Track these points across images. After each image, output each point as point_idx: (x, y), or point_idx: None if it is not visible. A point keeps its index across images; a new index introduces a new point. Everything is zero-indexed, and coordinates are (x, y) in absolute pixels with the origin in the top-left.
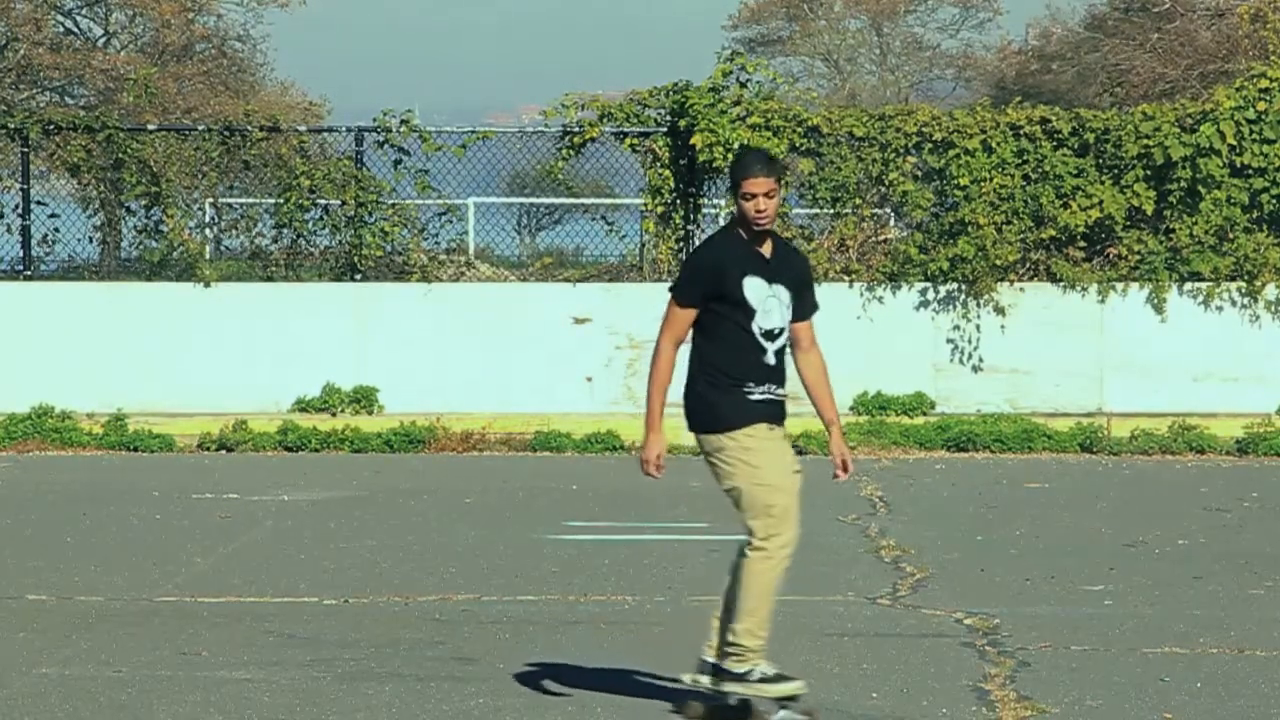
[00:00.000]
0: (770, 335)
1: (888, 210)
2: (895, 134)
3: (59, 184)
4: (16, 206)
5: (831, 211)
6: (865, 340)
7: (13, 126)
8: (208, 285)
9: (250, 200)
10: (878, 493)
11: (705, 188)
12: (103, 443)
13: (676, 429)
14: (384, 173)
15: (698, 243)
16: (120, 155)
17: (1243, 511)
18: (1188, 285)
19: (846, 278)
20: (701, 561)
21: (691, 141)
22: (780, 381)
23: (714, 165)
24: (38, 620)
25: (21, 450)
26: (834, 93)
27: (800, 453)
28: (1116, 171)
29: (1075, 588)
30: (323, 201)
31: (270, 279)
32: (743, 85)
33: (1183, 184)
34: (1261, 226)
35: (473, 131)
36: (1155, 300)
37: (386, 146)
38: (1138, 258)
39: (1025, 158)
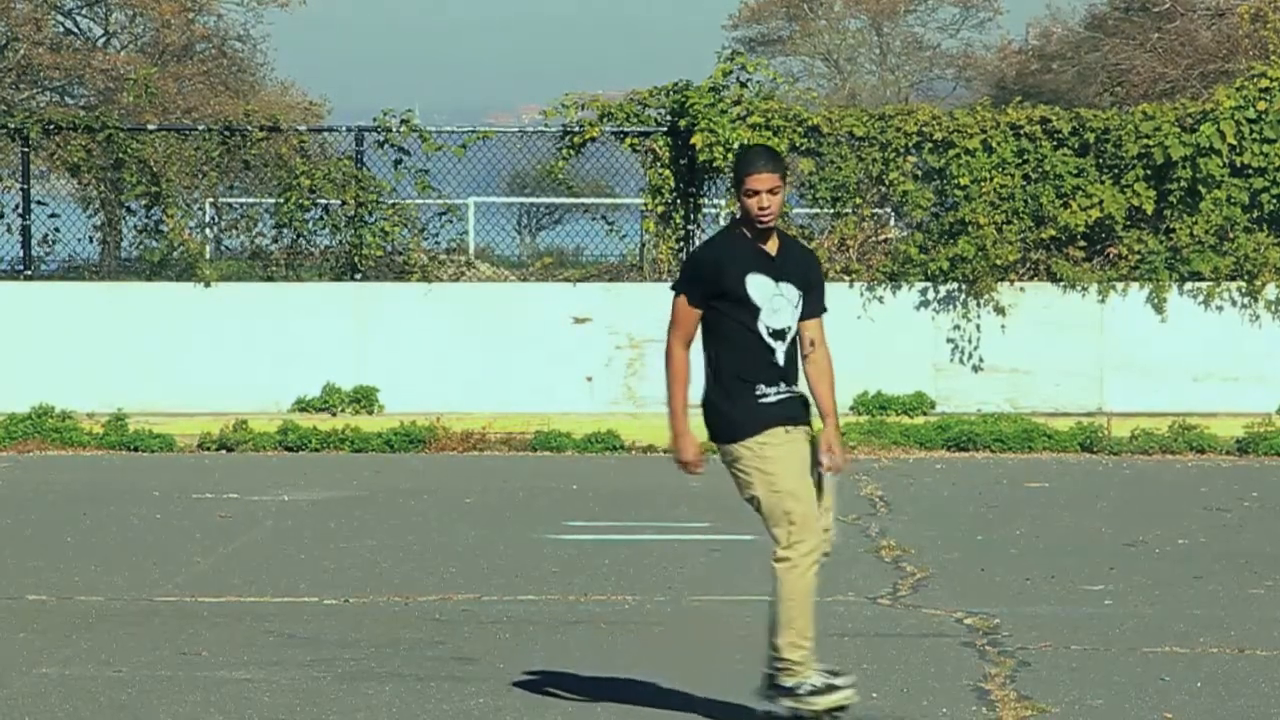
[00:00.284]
0: (778, 335)
1: (888, 210)
2: (895, 134)
3: (59, 184)
4: (17, 206)
5: (832, 211)
6: (865, 340)
7: (13, 126)
8: (208, 285)
9: (250, 200)
10: (878, 492)
11: (705, 187)
12: (103, 443)
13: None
14: (384, 172)
15: (698, 243)
16: (120, 155)
17: (1243, 511)
18: (1188, 285)
19: (847, 277)
20: (702, 561)
21: (692, 141)
22: (793, 379)
23: (714, 165)
24: (38, 620)
25: (22, 450)
26: (834, 92)
27: None
28: (1117, 171)
29: (1075, 587)
30: (323, 201)
31: (270, 279)
32: (743, 85)
33: (1183, 184)
34: (1262, 226)
35: (473, 131)
36: (1155, 300)
37: (387, 146)
38: (1138, 257)
39: (1025, 157)
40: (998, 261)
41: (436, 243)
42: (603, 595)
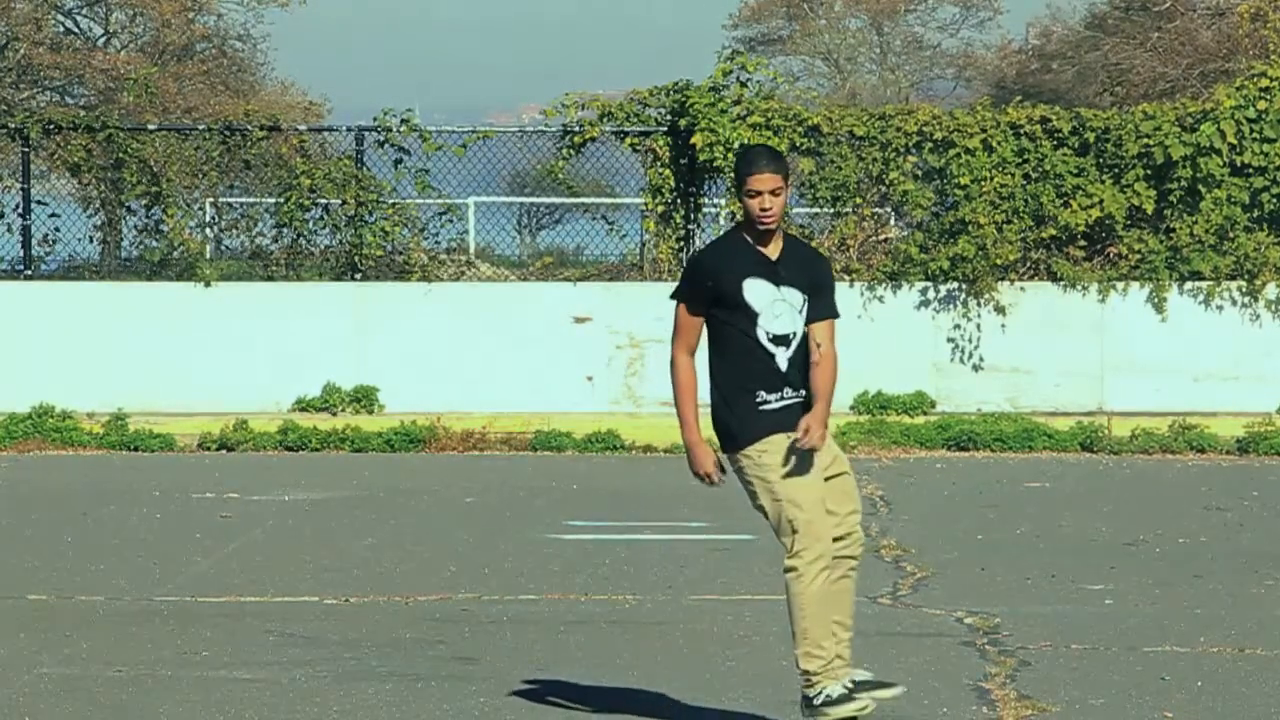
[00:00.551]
0: (780, 340)
1: (888, 209)
2: (896, 133)
3: (59, 183)
4: (17, 206)
5: (832, 211)
6: (866, 339)
7: (13, 126)
8: (208, 285)
9: (250, 200)
10: (878, 492)
11: (706, 187)
12: (103, 442)
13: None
14: (384, 172)
15: (698, 242)
16: (120, 155)
17: (1243, 510)
18: (1188, 284)
19: (847, 277)
20: (702, 561)
21: (692, 141)
22: (802, 385)
23: (714, 165)
24: (38, 620)
25: (22, 450)
26: (834, 92)
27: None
28: (1117, 171)
29: (1076, 587)
30: (323, 201)
31: (270, 278)
32: (743, 85)
33: (1183, 183)
34: (1262, 225)
35: (473, 131)
36: (1156, 299)
37: (387, 146)
38: (1138, 257)
39: (1026, 157)
40: (998, 261)
41: (437, 242)
42: (603, 595)
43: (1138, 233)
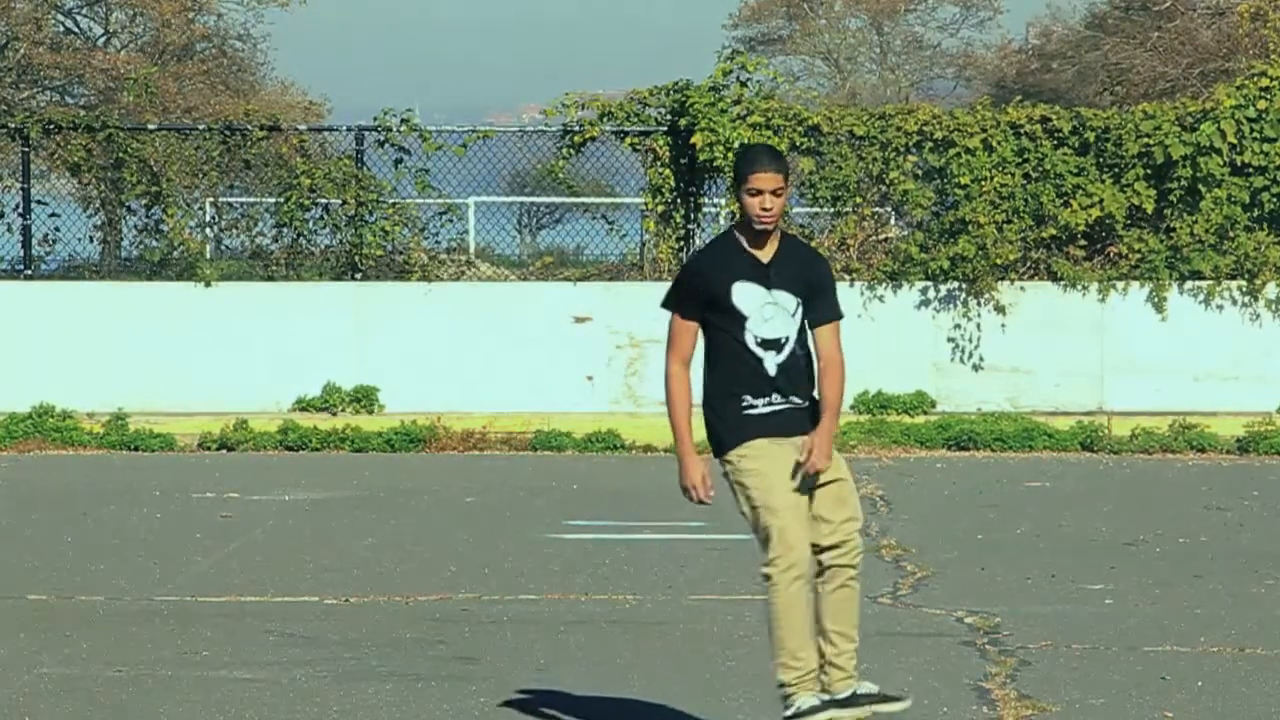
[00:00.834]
0: (769, 345)
1: (888, 209)
2: (896, 133)
3: (59, 183)
4: (17, 206)
5: (832, 210)
6: (866, 339)
7: (13, 126)
8: (208, 285)
9: (251, 199)
10: (878, 492)
11: (706, 187)
12: (103, 442)
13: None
14: (384, 172)
15: (698, 242)
16: (120, 155)
17: (1243, 510)
18: (1188, 284)
19: (847, 277)
20: (702, 561)
21: (692, 141)
22: (793, 392)
23: (714, 164)
24: (39, 619)
25: (22, 450)
26: (834, 92)
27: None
28: (1117, 170)
29: (1076, 586)
30: (323, 201)
31: (271, 278)
32: (743, 84)
33: (1183, 183)
34: (1262, 225)
35: (473, 131)
36: (1156, 299)
37: (387, 146)
38: (1138, 256)
39: (1026, 156)
40: (998, 261)
41: (437, 242)
42: (603, 595)
43: (1138, 232)
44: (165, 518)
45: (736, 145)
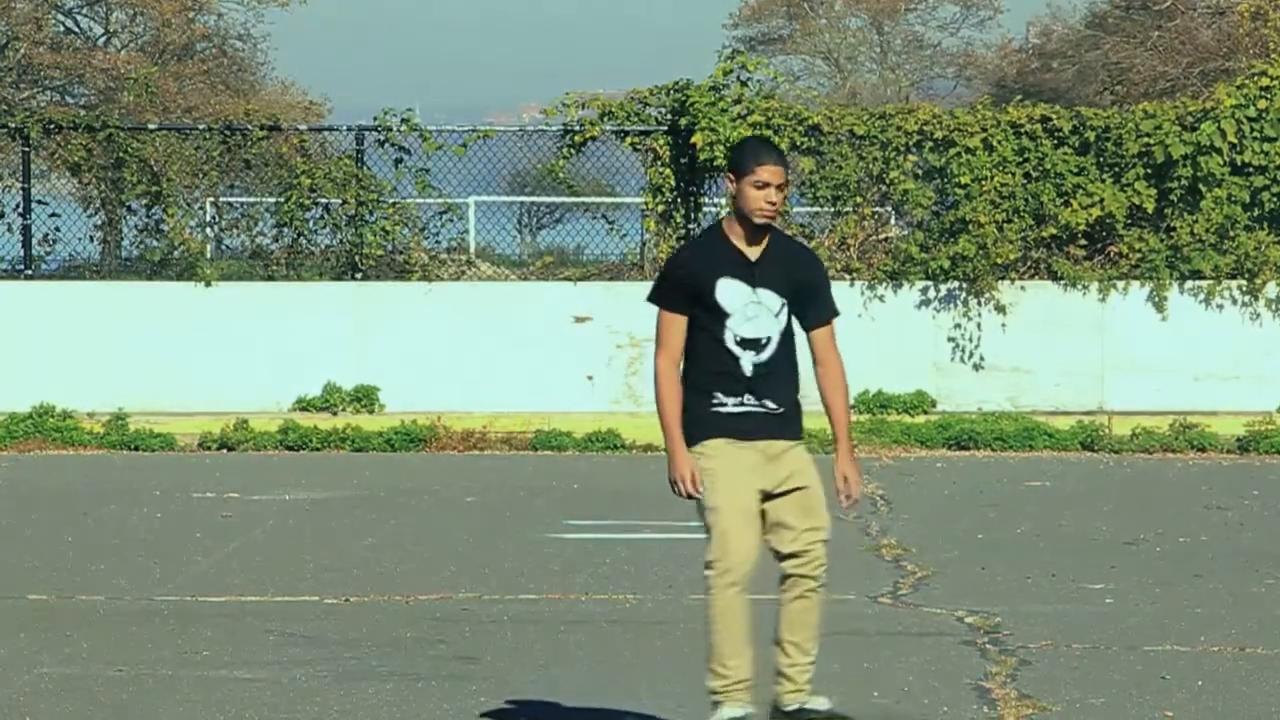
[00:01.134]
0: (749, 344)
1: (889, 209)
2: (896, 132)
3: (60, 183)
4: (17, 206)
5: (832, 210)
6: (866, 339)
7: (13, 126)
8: (208, 284)
9: (251, 199)
10: (879, 491)
11: (706, 186)
12: (104, 442)
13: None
14: (385, 172)
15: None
16: (121, 154)
17: (1243, 509)
18: (1188, 283)
19: (847, 276)
20: (702, 561)
21: (692, 140)
22: (768, 395)
23: (715, 164)
24: (39, 619)
25: (22, 450)
26: (834, 91)
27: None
28: (1117, 170)
29: (1076, 586)
30: (323, 200)
31: (271, 278)
32: (743, 84)
33: (1183, 182)
34: (1262, 224)
35: (473, 130)
36: (1156, 298)
37: (387, 145)
38: (1138, 256)
39: (1026, 156)
40: (998, 260)
41: (437, 242)
42: (603, 594)
43: (1138, 232)
44: (166, 517)
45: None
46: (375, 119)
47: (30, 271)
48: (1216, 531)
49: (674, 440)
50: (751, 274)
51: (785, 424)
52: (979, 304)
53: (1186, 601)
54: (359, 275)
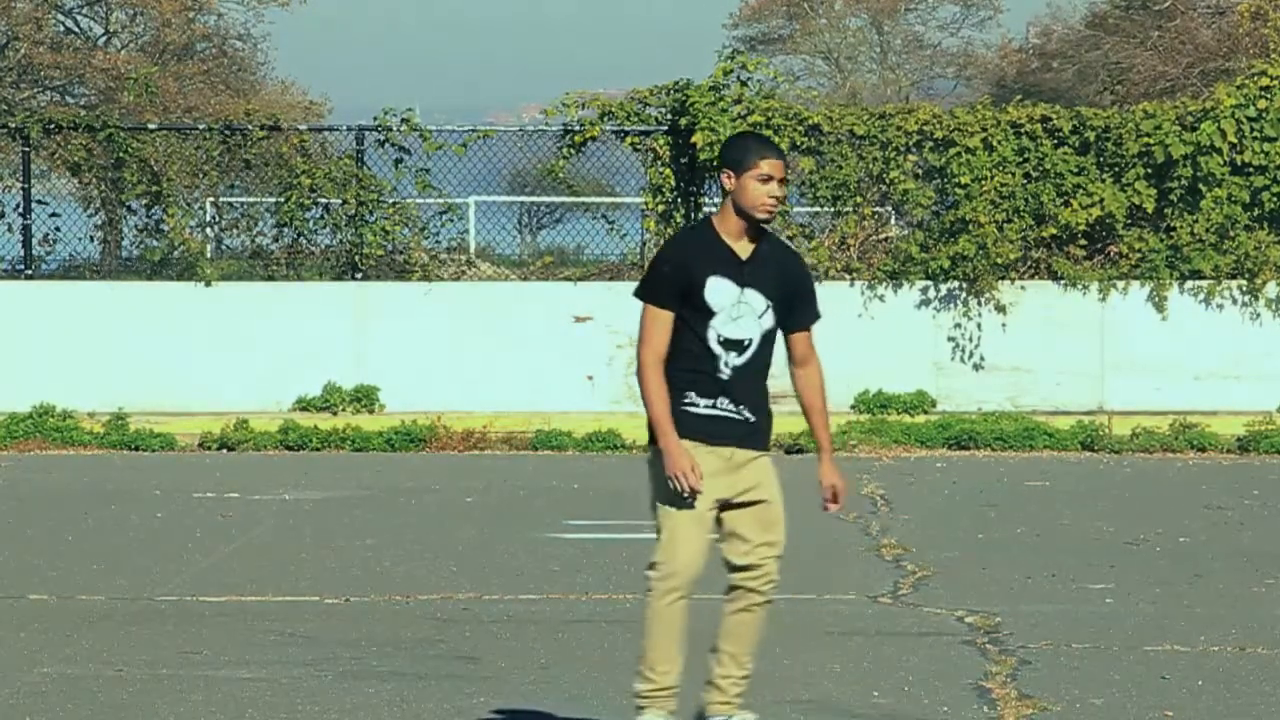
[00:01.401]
0: (732, 345)
1: (889, 209)
2: (896, 132)
3: (60, 183)
4: (17, 206)
5: (832, 210)
6: (866, 339)
7: (14, 126)
8: (209, 284)
9: (251, 199)
10: (879, 491)
11: (706, 186)
12: (104, 442)
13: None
14: (385, 172)
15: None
16: (121, 154)
17: (1244, 509)
18: (1188, 283)
19: (847, 276)
20: None
21: (692, 140)
22: (742, 401)
23: (715, 164)
24: (39, 619)
25: (23, 450)
26: (835, 91)
27: (798, 451)
28: (1117, 170)
29: (1076, 586)
30: (323, 200)
31: (271, 278)
32: (743, 84)
33: (1183, 182)
34: (1262, 224)
35: (473, 130)
36: (1156, 298)
37: (387, 145)
38: (1138, 256)
39: (1026, 156)
40: (998, 260)
41: (437, 242)
42: (603, 594)
43: (1138, 232)
44: (166, 517)
45: None
46: (375, 119)
47: (30, 271)
48: (1216, 531)
49: (668, 435)
50: (741, 273)
51: (754, 434)
52: (979, 304)
53: (1186, 601)
54: (359, 275)
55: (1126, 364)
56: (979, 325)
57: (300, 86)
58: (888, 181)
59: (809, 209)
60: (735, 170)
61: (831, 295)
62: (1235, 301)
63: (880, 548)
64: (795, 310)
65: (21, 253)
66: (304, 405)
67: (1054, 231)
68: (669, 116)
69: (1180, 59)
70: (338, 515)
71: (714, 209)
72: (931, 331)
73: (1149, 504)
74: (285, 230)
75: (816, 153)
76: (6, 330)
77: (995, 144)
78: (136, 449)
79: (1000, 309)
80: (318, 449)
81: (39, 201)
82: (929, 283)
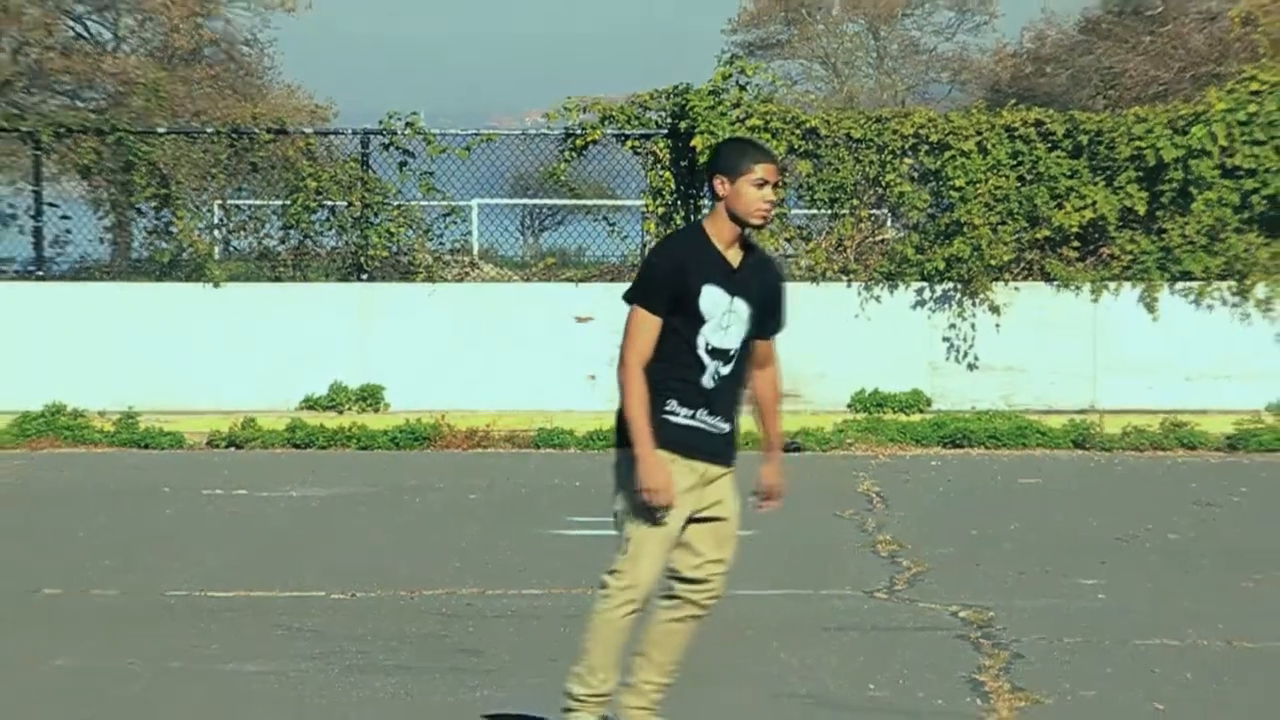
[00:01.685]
0: (719, 355)
1: (885, 211)
2: (892, 136)
3: (70, 186)
4: (29, 208)
5: (829, 212)
6: (863, 339)
7: (25, 130)
8: (217, 285)
9: (258, 202)
10: (874, 488)
11: (705, 189)
12: (114, 440)
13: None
14: (389, 174)
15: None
16: (130, 158)
17: (1232, 506)
18: (1179, 285)
19: (844, 277)
20: None
21: (692, 143)
22: (721, 413)
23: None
24: (52, 614)
25: (35, 448)
26: (832, 95)
27: (796, 449)
28: (1109, 173)
29: (1068, 581)
30: (329, 203)
31: (278, 279)
32: (742, 88)
33: (1175, 185)
34: (1252, 227)
35: (477, 134)
36: (1147, 299)
37: (392, 149)
38: (1130, 257)
39: (1020, 159)
40: (993, 262)
41: (441, 243)
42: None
43: (1130, 234)
44: (175, 514)
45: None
46: (380, 123)
47: (42, 272)
48: (1205, 528)
49: (646, 445)
50: (732, 282)
51: (726, 449)
52: (974, 304)
53: (1176, 596)
54: (364, 276)
55: (1118, 364)
56: (973, 326)
57: (306, 91)
58: (884, 184)
59: (806, 211)
60: (729, 175)
61: (828, 296)
62: (1225, 302)
63: (876, 544)
64: (769, 318)
65: (33, 254)
66: (310, 404)
67: (1047, 233)
68: (669, 120)
69: (1172, 64)
70: (344, 512)
71: None
72: (927, 332)
73: (1140, 501)
74: (292, 232)
75: (814, 156)
76: (19, 330)
77: (990, 147)
78: (146, 447)
79: (994, 309)
80: (324, 447)
81: (50, 204)
82: (924, 284)
